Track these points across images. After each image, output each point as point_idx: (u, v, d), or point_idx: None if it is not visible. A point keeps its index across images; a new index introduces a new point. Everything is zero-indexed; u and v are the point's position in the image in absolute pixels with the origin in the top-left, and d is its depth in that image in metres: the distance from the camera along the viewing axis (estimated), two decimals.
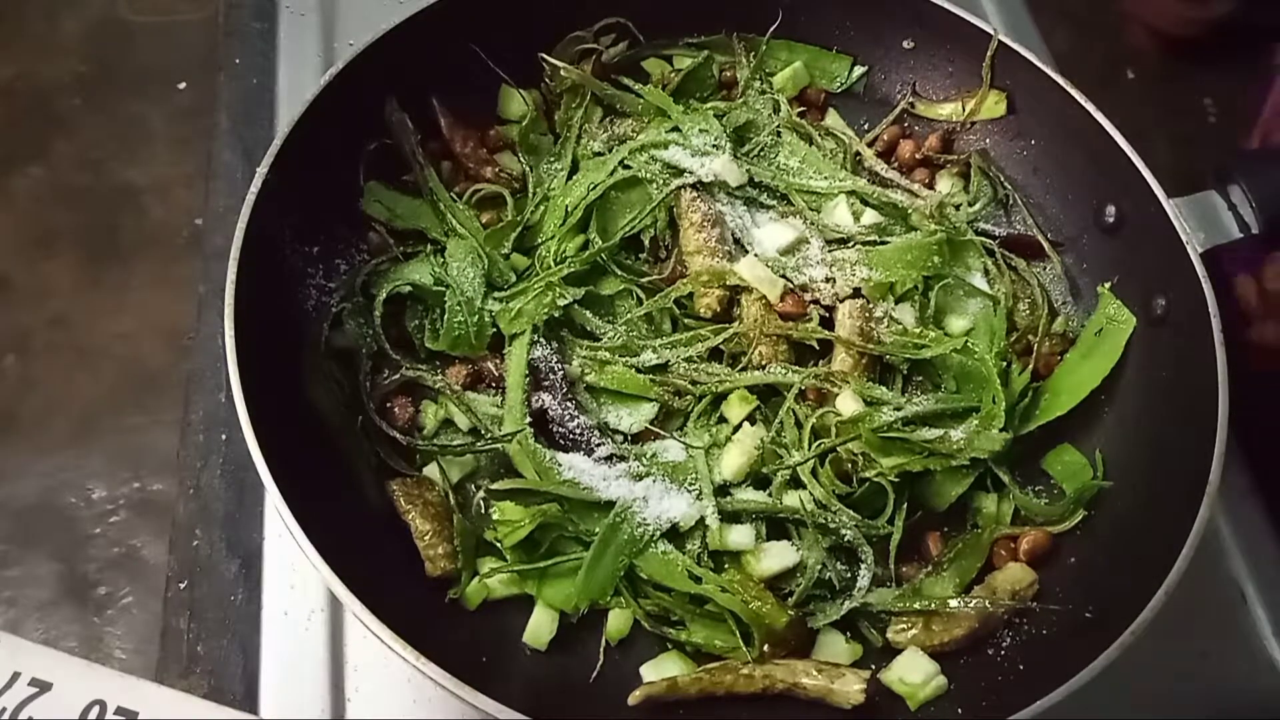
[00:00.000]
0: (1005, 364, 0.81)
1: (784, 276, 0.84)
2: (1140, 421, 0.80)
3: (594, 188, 0.85)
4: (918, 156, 0.94)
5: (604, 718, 0.70)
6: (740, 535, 0.74)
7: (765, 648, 0.70)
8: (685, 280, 0.83)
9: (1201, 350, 0.74)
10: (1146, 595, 0.66)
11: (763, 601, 0.71)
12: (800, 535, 0.75)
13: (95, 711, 0.68)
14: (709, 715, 0.70)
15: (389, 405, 0.80)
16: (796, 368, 0.81)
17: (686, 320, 0.83)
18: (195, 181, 1.09)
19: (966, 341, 0.81)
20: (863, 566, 0.74)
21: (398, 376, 0.80)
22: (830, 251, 0.86)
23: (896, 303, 0.85)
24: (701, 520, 0.74)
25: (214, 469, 0.85)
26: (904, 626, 0.73)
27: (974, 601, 0.73)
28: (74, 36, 1.31)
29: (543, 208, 0.87)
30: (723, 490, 0.76)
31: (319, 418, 0.76)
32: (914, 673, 0.71)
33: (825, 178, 0.89)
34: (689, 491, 0.75)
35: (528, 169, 0.90)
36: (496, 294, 0.83)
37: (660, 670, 0.71)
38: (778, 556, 0.74)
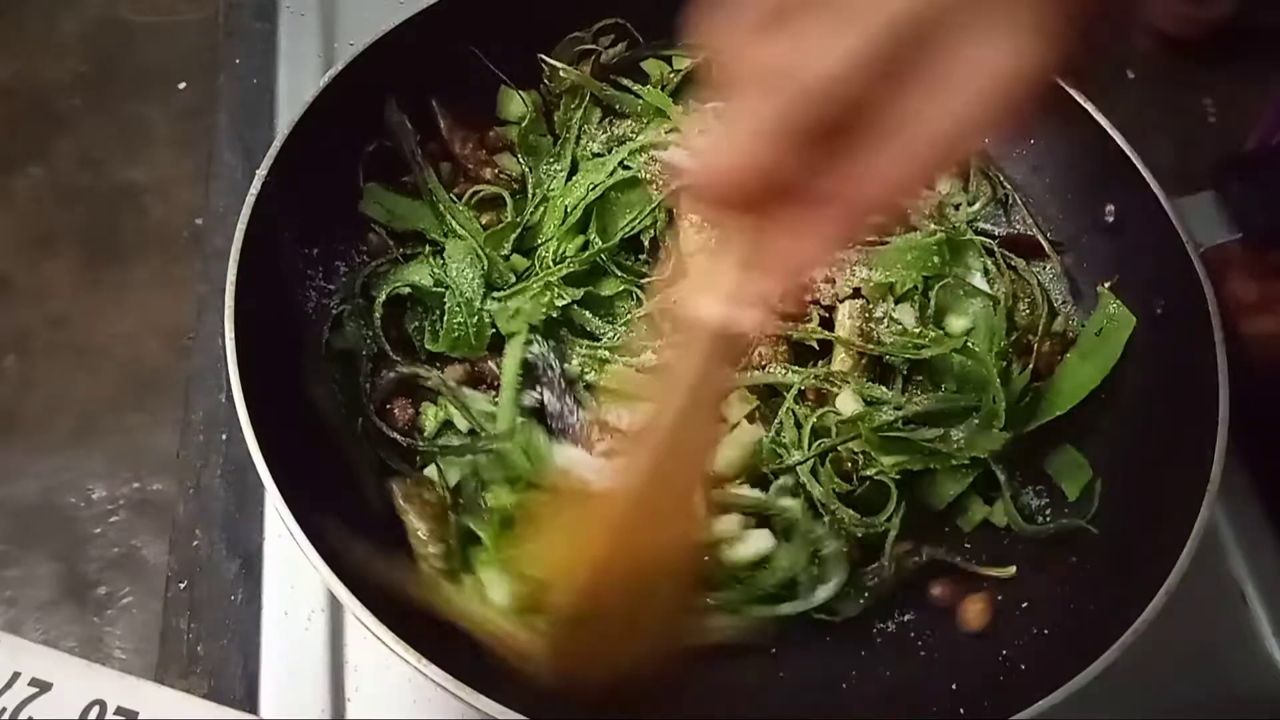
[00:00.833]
0: (1005, 364, 0.81)
1: None
2: (1140, 422, 0.80)
3: (594, 188, 0.85)
4: None
5: (604, 718, 0.70)
6: (725, 523, 0.74)
7: None
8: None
9: (1201, 350, 0.74)
10: (1147, 596, 0.66)
11: None
12: (789, 538, 0.75)
13: (95, 712, 0.68)
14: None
15: (389, 407, 0.80)
16: (796, 368, 0.81)
17: None
18: (195, 181, 1.10)
19: (967, 341, 0.81)
20: (832, 580, 0.74)
21: (394, 375, 0.80)
22: None
23: (896, 303, 0.84)
24: None
25: (214, 469, 0.85)
26: None
27: None
28: (74, 36, 1.31)
29: (542, 209, 0.87)
30: (715, 484, 0.75)
31: (319, 418, 0.76)
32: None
33: None
34: None
35: (527, 170, 0.89)
36: (495, 294, 0.83)
37: None
38: (754, 544, 0.74)
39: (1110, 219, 0.85)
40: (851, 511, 0.75)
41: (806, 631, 0.75)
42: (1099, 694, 0.65)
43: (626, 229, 0.85)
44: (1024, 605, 0.76)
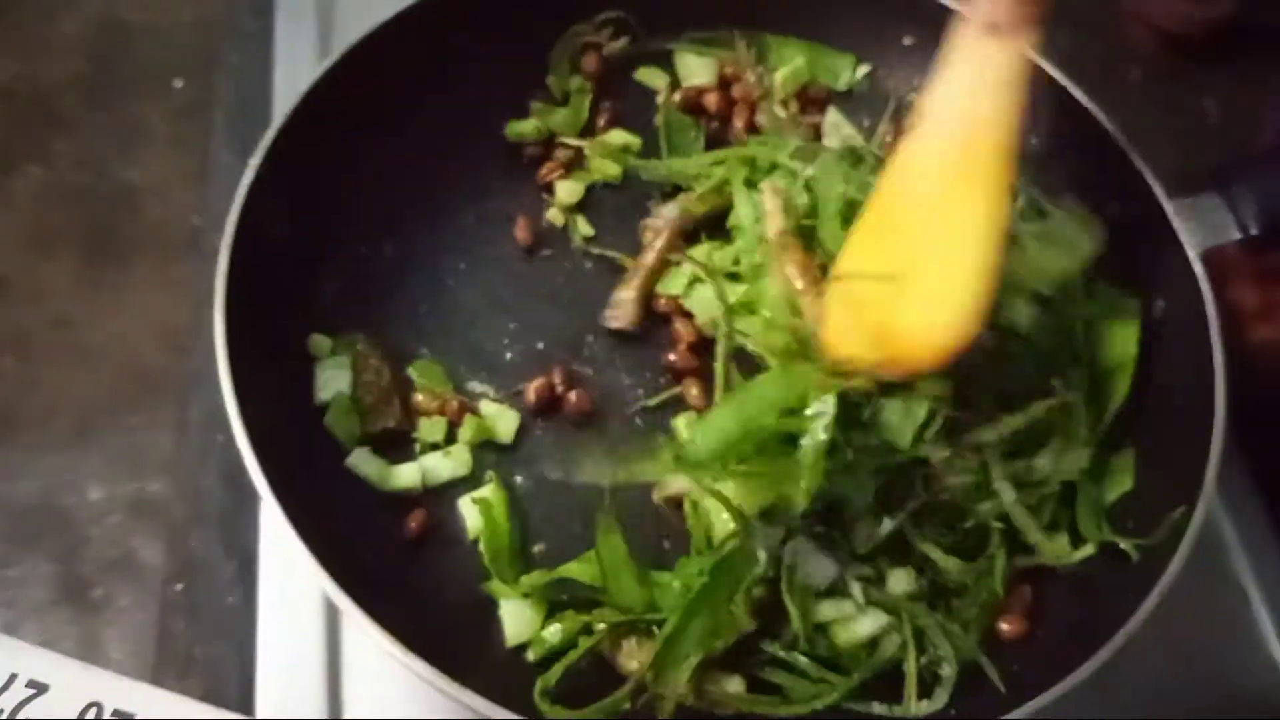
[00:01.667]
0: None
1: None
2: (1137, 421, 0.80)
3: None
4: None
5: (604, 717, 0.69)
6: (837, 608, 0.72)
7: None
8: None
9: (1199, 352, 0.74)
10: (1141, 596, 0.66)
11: None
12: (901, 616, 0.72)
13: (93, 713, 0.68)
14: None
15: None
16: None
17: None
18: (193, 181, 1.09)
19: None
20: (943, 676, 0.71)
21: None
22: None
23: None
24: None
25: (211, 470, 0.85)
26: None
27: None
28: (73, 36, 1.31)
29: None
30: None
31: (316, 417, 0.76)
32: None
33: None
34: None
35: None
36: None
37: None
38: (868, 623, 0.71)
39: (1109, 219, 0.85)
40: (957, 559, 0.73)
41: None
42: (1100, 693, 0.65)
43: None
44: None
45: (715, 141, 0.94)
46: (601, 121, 0.94)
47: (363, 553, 0.71)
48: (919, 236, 0.69)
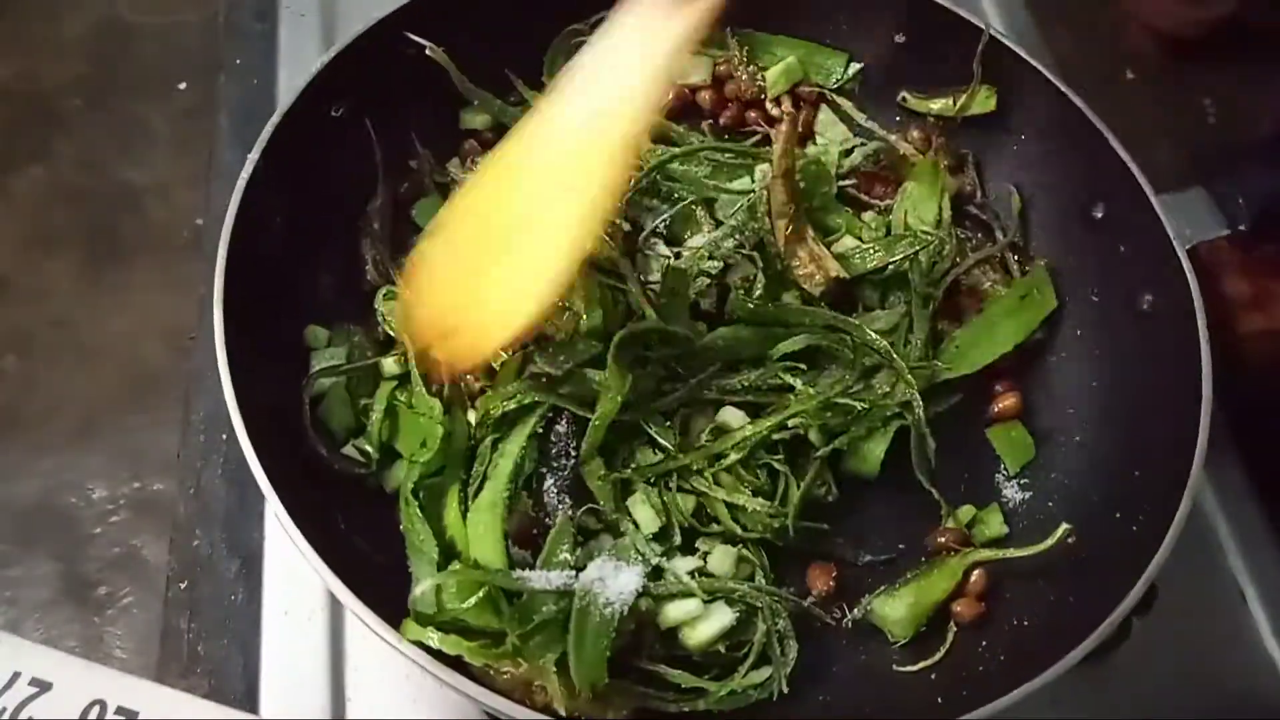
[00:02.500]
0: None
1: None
2: (1124, 416, 0.80)
3: None
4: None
5: (605, 716, 0.70)
6: (683, 607, 0.72)
7: None
8: None
9: (1186, 347, 0.75)
10: (1128, 585, 0.66)
11: None
12: (758, 615, 0.73)
13: (95, 711, 0.68)
14: None
15: None
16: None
17: None
18: (196, 182, 1.09)
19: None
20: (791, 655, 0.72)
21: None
22: None
23: None
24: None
25: (214, 469, 0.85)
26: None
27: None
28: (74, 37, 1.31)
29: None
30: (656, 573, 0.73)
31: (315, 415, 0.76)
32: None
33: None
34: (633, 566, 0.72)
35: None
36: None
37: None
38: (717, 620, 0.72)
39: (1098, 215, 0.85)
40: (762, 502, 0.75)
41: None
42: (1099, 693, 0.65)
43: None
44: (1006, 597, 0.77)
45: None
46: None
47: (367, 550, 0.71)
48: (516, 217, 0.68)
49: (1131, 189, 0.80)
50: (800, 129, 0.94)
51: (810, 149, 0.93)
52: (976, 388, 0.85)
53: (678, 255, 0.84)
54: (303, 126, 0.79)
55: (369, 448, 0.76)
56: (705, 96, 0.96)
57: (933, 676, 0.72)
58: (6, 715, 0.67)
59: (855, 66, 0.97)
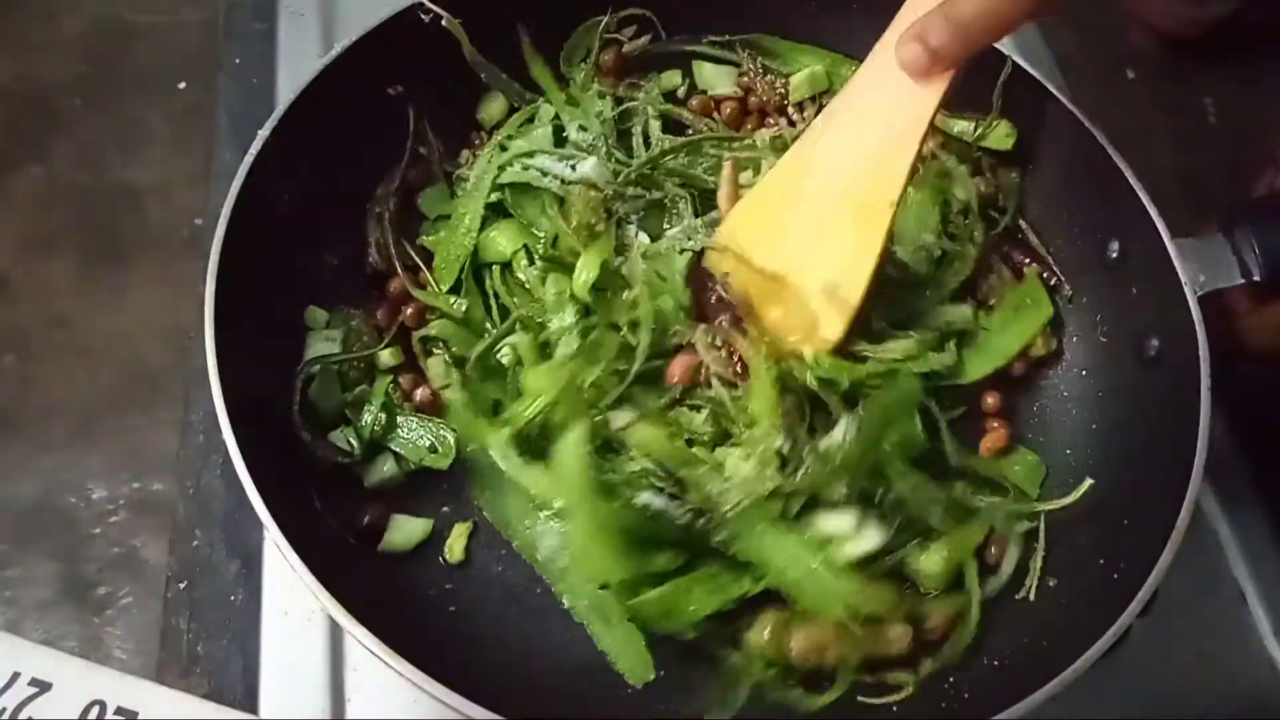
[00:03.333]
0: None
1: None
2: (1119, 457, 0.79)
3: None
4: None
5: (605, 717, 0.70)
6: (836, 522, 0.71)
7: None
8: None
9: (1187, 397, 0.73)
10: (1129, 595, 0.66)
11: None
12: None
13: (95, 711, 0.68)
14: None
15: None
16: None
17: None
18: (195, 182, 1.10)
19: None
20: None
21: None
22: None
23: None
24: None
25: (214, 469, 0.85)
26: None
27: None
28: (74, 36, 1.31)
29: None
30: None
31: (312, 414, 0.76)
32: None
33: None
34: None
35: None
36: None
37: None
38: (867, 539, 0.70)
39: (1113, 255, 0.83)
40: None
41: None
42: (1099, 693, 0.65)
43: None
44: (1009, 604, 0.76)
45: None
46: None
47: (360, 562, 0.71)
48: (804, 235, 0.75)
49: (1148, 231, 0.78)
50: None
51: None
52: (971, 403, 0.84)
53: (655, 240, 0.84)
54: (321, 103, 0.79)
55: (354, 440, 0.76)
56: (728, 108, 0.95)
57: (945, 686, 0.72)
58: (6, 715, 0.67)
59: None
